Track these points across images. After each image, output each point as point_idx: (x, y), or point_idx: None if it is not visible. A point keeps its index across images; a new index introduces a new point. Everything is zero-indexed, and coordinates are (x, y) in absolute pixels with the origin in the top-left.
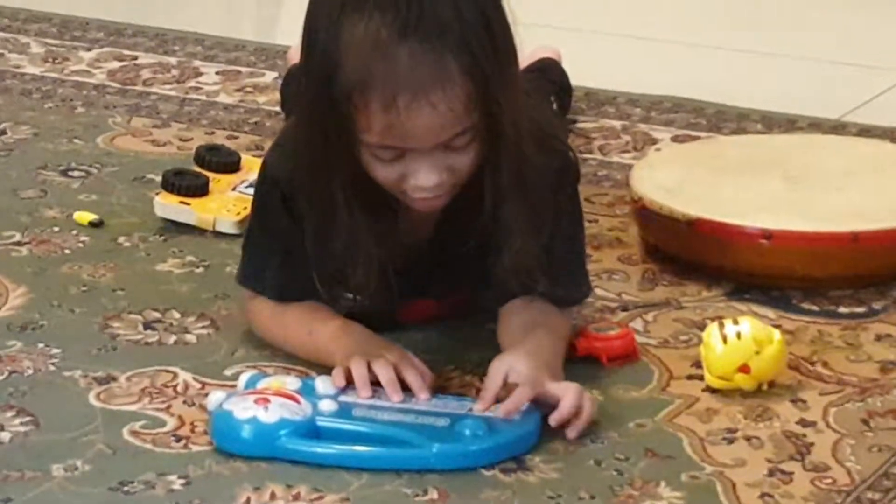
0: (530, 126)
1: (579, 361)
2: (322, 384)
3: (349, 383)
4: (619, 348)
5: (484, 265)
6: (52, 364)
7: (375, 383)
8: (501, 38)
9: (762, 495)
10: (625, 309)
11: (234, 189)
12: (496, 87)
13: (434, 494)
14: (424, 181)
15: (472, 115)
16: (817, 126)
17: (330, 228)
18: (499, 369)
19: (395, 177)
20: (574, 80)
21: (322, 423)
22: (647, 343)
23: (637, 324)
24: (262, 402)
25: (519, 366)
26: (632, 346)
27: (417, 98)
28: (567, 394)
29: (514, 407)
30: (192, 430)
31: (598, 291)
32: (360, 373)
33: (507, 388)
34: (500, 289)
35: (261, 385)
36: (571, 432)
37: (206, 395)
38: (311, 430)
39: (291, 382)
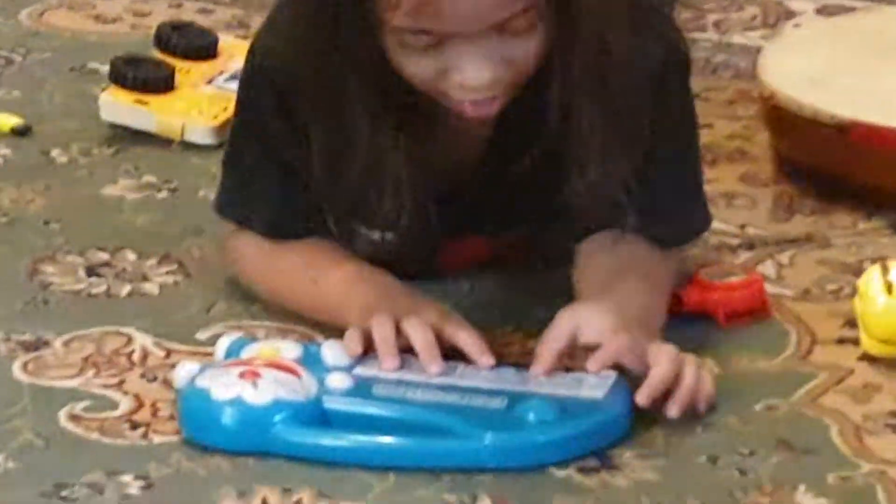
0: (618, 2)
1: (687, 320)
2: (331, 352)
3: (369, 350)
4: (742, 302)
5: (552, 193)
6: None
7: (406, 350)
8: None
9: None
10: (750, 247)
11: (209, 83)
12: None
13: (486, 502)
14: (472, 77)
15: None
16: None
17: (345, 144)
18: (566, 323)
19: (433, 72)
20: None
21: (331, 404)
22: (780, 294)
23: (767, 268)
24: (249, 376)
25: (595, 320)
26: (760, 298)
27: None
28: (660, 359)
29: (598, 365)
30: (154, 415)
31: (714, 224)
32: (384, 335)
33: (573, 353)
34: (574, 223)
35: (248, 353)
36: (672, 409)
37: (173, 366)
38: (315, 415)
39: (289, 350)
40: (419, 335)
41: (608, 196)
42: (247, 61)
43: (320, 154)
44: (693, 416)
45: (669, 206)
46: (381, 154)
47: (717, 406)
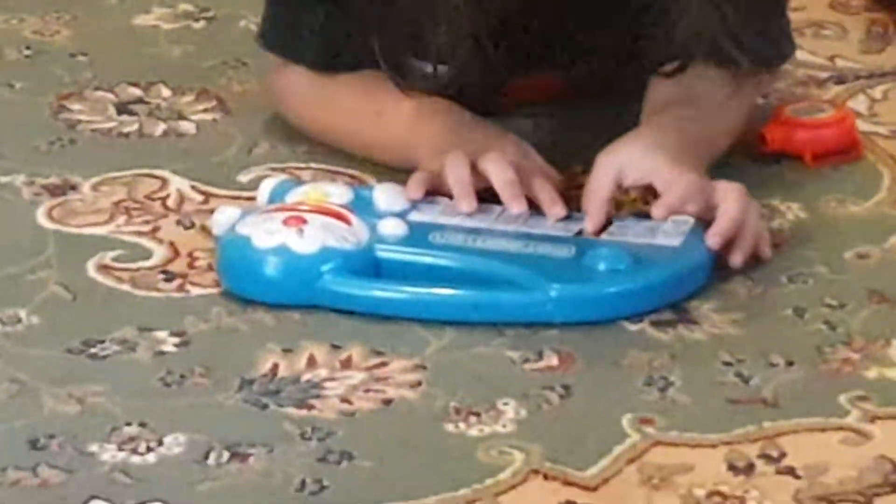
0: None
1: (771, 160)
2: (384, 196)
3: (432, 192)
4: (831, 140)
5: (628, 24)
6: None
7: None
8: None
9: None
10: (840, 81)
11: None
12: None
13: (553, 360)
14: None
15: None
16: None
17: None
18: (606, 168)
19: None
20: None
21: (384, 253)
22: (873, 132)
23: (859, 103)
24: (294, 222)
25: (638, 160)
26: (850, 136)
27: None
28: (728, 197)
29: (671, 207)
30: (192, 265)
31: (801, 55)
32: (459, 175)
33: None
34: (651, 60)
35: (293, 198)
36: (736, 257)
37: (212, 211)
38: (367, 264)
39: (339, 194)
40: (500, 173)
41: (706, 28)
42: None
43: None
44: (758, 261)
45: (746, 26)
46: None
47: (805, 254)
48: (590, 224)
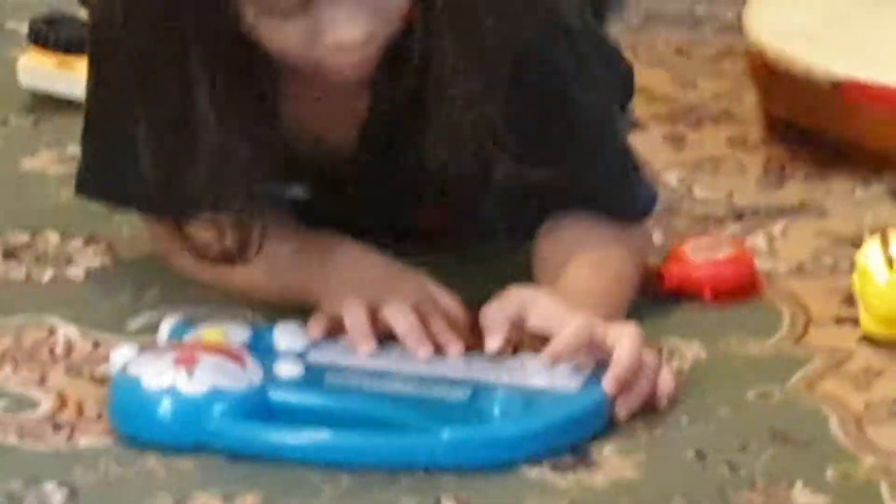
0: None
1: (670, 299)
2: (284, 335)
3: (331, 334)
4: (730, 278)
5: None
6: None
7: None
8: None
9: None
10: (739, 218)
11: None
12: None
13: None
14: (345, 34)
15: None
16: None
17: (182, 128)
18: (511, 297)
19: (302, 37)
20: None
21: (278, 395)
22: (772, 270)
23: (758, 240)
24: (185, 362)
25: (544, 302)
26: (749, 274)
27: None
28: (622, 342)
29: (559, 354)
30: (80, 414)
31: (699, 192)
32: (357, 322)
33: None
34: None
35: (190, 337)
36: (621, 409)
37: (104, 358)
38: (260, 407)
39: (237, 333)
40: (401, 321)
41: (465, 148)
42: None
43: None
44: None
45: (602, 187)
46: (226, 138)
47: (705, 395)
48: (494, 341)
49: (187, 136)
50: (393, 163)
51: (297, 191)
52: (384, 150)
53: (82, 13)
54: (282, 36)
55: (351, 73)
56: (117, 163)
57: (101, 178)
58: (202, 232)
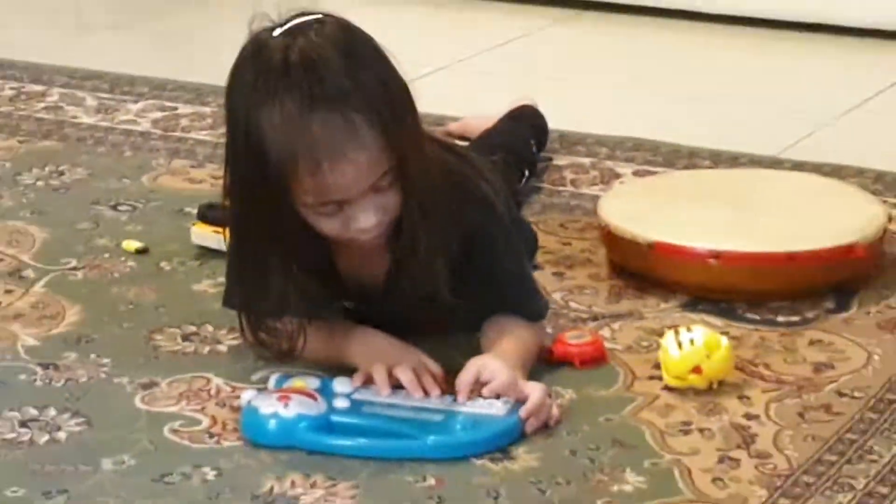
0: (444, 175)
1: (556, 365)
2: (339, 384)
3: (366, 383)
4: (590, 353)
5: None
6: (103, 372)
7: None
8: (398, 95)
9: (714, 479)
10: (594, 319)
11: None
12: (400, 134)
13: (432, 481)
14: (365, 223)
15: (388, 158)
16: (758, 162)
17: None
18: (472, 367)
19: (340, 226)
20: (551, 124)
21: (335, 418)
22: (613, 348)
23: (605, 332)
24: (283, 399)
25: (491, 365)
26: (601, 351)
27: (337, 158)
28: (534, 392)
29: (490, 393)
30: (224, 428)
31: (572, 304)
32: (381, 377)
33: (480, 384)
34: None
35: (287, 385)
36: (529, 427)
37: (237, 397)
38: (325, 424)
39: (312, 382)
40: (405, 377)
41: (429, 282)
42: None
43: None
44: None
45: (518, 296)
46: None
47: (576, 419)
48: (461, 396)
49: (278, 283)
50: (402, 293)
51: (348, 303)
52: (401, 285)
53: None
54: (326, 225)
55: (369, 242)
56: (241, 291)
57: (233, 298)
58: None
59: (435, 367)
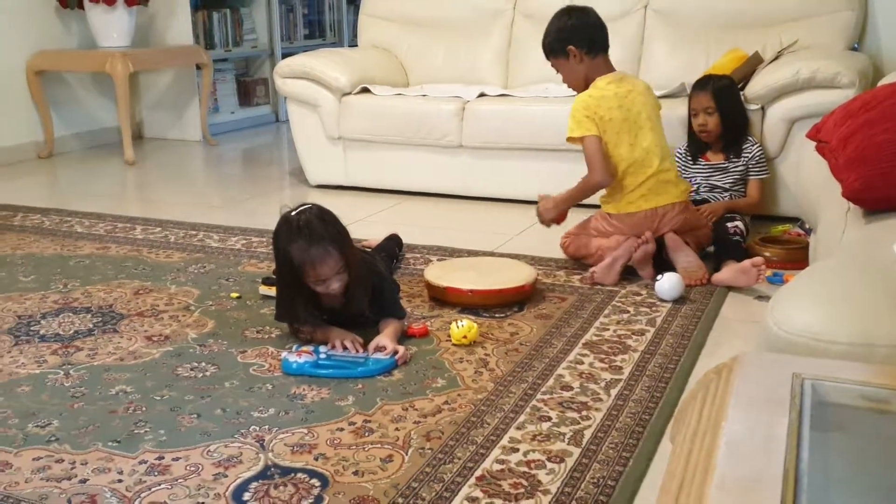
0: (362, 264)
1: (409, 337)
2: (322, 349)
3: (332, 347)
4: (422, 331)
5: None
6: (223, 347)
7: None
8: (344, 234)
9: (473, 380)
10: (423, 318)
11: None
12: (347, 252)
13: (359, 384)
14: (333, 288)
15: (342, 262)
16: (485, 253)
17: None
18: (375, 340)
19: (323, 289)
20: (405, 241)
21: (321, 361)
22: (432, 329)
23: (428, 323)
24: (299, 354)
25: (382, 340)
26: (426, 331)
27: (322, 264)
28: (399, 348)
29: (388, 352)
30: (273, 368)
31: (415, 313)
32: (338, 344)
33: (376, 348)
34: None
35: (299, 349)
36: (399, 361)
37: (280, 355)
38: (316, 365)
39: (309, 348)
40: (348, 345)
41: (363, 307)
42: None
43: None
44: (406, 364)
45: (393, 309)
46: (308, 313)
47: (416, 359)
48: (369, 353)
49: (295, 311)
50: (349, 311)
51: (325, 316)
52: (349, 308)
53: (273, 276)
54: (317, 287)
55: (337, 295)
56: (284, 314)
57: (281, 317)
58: (296, 331)
59: (359, 340)
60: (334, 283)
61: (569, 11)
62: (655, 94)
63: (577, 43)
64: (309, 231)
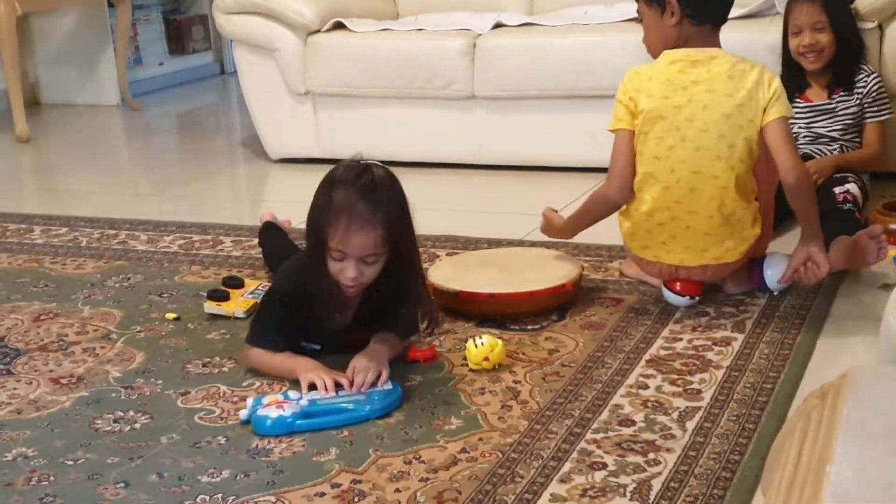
0: (410, 266)
1: (410, 363)
2: (293, 393)
3: (309, 389)
4: (428, 355)
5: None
6: (158, 388)
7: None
8: (406, 215)
9: (498, 418)
10: (430, 335)
11: (241, 296)
12: (398, 236)
13: (345, 433)
14: (350, 274)
15: (384, 245)
16: (510, 243)
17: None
18: (353, 363)
19: (337, 270)
20: None
21: (308, 409)
22: (441, 350)
23: (436, 341)
24: (278, 406)
25: (362, 360)
26: (434, 354)
27: (360, 229)
28: (384, 373)
29: (361, 381)
30: (228, 413)
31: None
32: (320, 384)
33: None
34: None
35: (265, 400)
36: (385, 386)
37: (235, 396)
38: (304, 414)
39: (276, 395)
40: (322, 382)
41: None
42: (270, 288)
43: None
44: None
45: (403, 329)
46: (329, 295)
47: (421, 391)
48: (351, 383)
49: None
50: (358, 325)
51: (317, 346)
52: (359, 321)
53: (222, 288)
54: (331, 265)
55: (348, 291)
56: (265, 334)
57: (257, 337)
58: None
59: (332, 373)
60: (359, 269)
61: None
62: (742, 29)
63: None
64: (371, 185)
